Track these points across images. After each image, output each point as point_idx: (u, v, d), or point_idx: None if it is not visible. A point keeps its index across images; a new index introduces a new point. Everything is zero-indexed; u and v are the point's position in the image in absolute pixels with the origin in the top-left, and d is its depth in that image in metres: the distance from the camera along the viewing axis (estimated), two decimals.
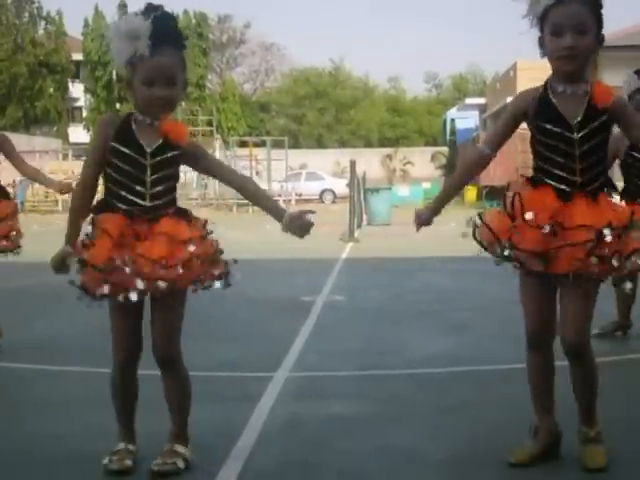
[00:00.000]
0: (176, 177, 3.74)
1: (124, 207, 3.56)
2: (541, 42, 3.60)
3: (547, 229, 3.48)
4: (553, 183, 3.59)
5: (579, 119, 3.56)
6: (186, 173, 38.41)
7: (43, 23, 55.26)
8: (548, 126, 3.60)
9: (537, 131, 3.65)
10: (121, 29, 3.46)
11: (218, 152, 37.23)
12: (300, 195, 39.96)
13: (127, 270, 3.44)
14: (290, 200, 37.86)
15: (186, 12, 58.86)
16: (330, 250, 15.00)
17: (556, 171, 3.61)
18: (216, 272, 3.71)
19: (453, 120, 45.38)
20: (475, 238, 3.71)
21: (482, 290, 8.68)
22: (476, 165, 3.86)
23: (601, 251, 3.47)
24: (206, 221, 3.78)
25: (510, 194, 3.62)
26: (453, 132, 45.07)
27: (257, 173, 38.16)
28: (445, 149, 48.80)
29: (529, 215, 3.50)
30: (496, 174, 32.74)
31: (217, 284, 3.72)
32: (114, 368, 3.74)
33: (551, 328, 3.68)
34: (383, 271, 11.98)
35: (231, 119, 57.95)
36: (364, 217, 22.83)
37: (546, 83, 3.64)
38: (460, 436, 4.17)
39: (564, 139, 3.58)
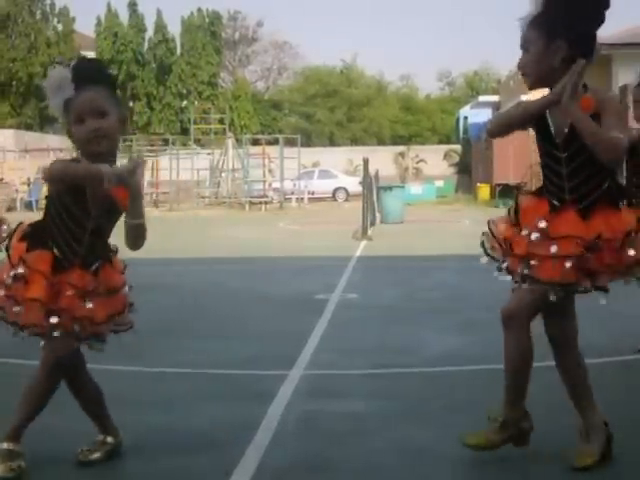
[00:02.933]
0: (112, 227, 3.72)
1: (59, 255, 3.59)
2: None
3: (534, 236, 3.48)
4: (548, 197, 3.59)
5: (564, 136, 3.50)
6: (199, 172, 38.55)
7: (55, 20, 55.41)
8: (542, 144, 3.60)
9: (538, 147, 3.65)
10: (49, 85, 3.58)
11: (231, 150, 37.24)
12: (313, 193, 39.98)
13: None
14: (303, 198, 37.87)
15: (199, 10, 58.96)
16: (343, 248, 15.00)
17: (550, 186, 3.60)
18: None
19: (466, 118, 45.33)
20: (488, 254, 3.72)
21: (495, 288, 8.59)
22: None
23: (588, 264, 3.45)
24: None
25: (515, 204, 3.67)
26: (466, 130, 45.03)
27: (270, 171, 38.19)
28: (458, 147, 48.76)
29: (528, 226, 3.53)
30: (509, 172, 32.69)
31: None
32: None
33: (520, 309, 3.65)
34: (396, 269, 11.99)
35: (243, 117, 57.97)
36: (377, 215, 22.83)
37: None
38: None
39: (552, 157, 3.56)
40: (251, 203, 34.81)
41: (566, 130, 3.49)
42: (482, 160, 38.02)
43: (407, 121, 62.67)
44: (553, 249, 3.45)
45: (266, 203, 34.88)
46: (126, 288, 3.70)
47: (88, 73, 3.58)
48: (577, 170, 3.51)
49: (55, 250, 3.57)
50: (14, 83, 52.15)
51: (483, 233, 3.76)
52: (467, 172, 44.03)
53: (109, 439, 3.81)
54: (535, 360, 3.67)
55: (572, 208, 3.52)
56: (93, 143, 3.50)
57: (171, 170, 36.95)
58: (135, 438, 4.07)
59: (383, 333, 7.03)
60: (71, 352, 3.63)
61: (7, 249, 3.59)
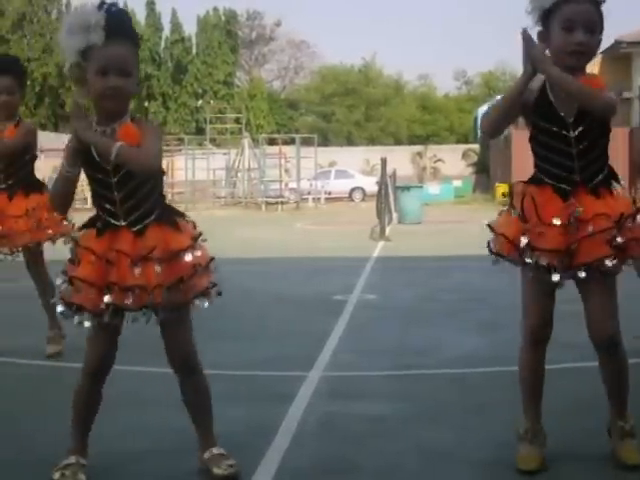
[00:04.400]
0: (153, 183, 3.50)
1: (101, 226, 3.49)
2: (543, 37, 3.53)
3: (572, 220, 3.45)
4: (553, 182, 3.55)
5: (574, 116, 3.50)
6: (215, 172, 38.58)
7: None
8: (545, 124, 3.55)
9: (535, 128, 3.60)
10: (73, 21, 3.31)
11: (247, 150, 37.26)
12: (329, 193, 39.96)
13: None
14: (319, 198, 37.86)
15: (215, 9, 59.01)
16: (361, 249, 14.98)
17: (555, 170, 3.55)
18: (205, 284, 3.53)
19: None
20: (491, 251, 3.65)
21: (515, 289, 8.57)
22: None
23: (620, 239, 3.45)
24: (194, 224, 3.62)
25: (518, 197, 3.58)
26: None
27: (286, 171, 38.20)
28: (476, 146, 48.63)
29: (556, 220, 3.46)
30: (527, 172, 32.49)
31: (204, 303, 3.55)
32: (84, 375, 3.61)
33: (550, 326, 3.65)
34: (415, 270, 11.95)
35: (259, 117, 58.03)
36: (394, 215, 22.79)
37: (544, 80, 3.55)
38: (495, 436, 4.13)
39: (561, 137, 3.52)
40: (267, 203, 34.81)
41: (575, 114, 3.48)
42: (501, 159, 37.89)
43: (424, 120, 62.59)
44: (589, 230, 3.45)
45: (282, 203, 34.88)
46: (193, 252, 3.46)
47: (122, 25, 3.37)
48: (586, 150, 3.52)
49: (98, 223, 3.47)
50: (29, 83, 52.37)
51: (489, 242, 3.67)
52: (485, 172, 43.92)
53: (82, 460, 3.60)
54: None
55: (585, 193, 3.51)
56: (108, 99, 3.34)
57: (187, 170, 36.98)
58: (155, 439, 4.08)
59: (402, 334, 7.01)
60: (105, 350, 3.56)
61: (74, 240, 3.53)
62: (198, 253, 3.49)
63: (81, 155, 3.41)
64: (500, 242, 3.60)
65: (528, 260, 3.51)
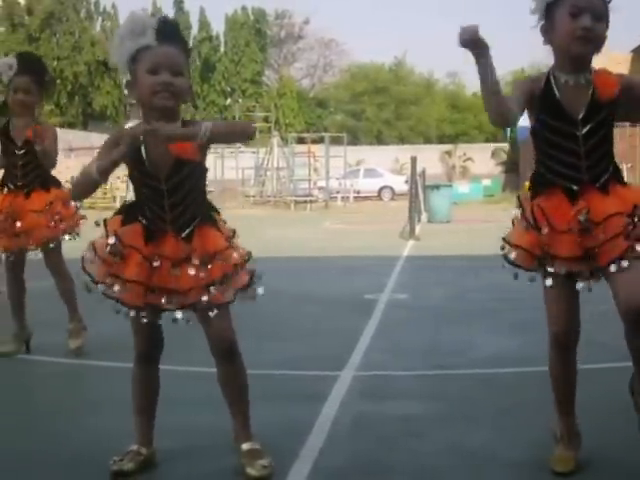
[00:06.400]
0: (201, 187, 3.55)
1: (147, 225, 3.49)
2: (546, 29, 3.45)
3: (582, 220, 3.36)
4: (559, 181, 3.46)
5: (583, 114, 3.41)
6: (244, 171, 38.64)
7: (100, 19, 55.92)
8: (551, 121, 3.45)
9: (539, 126, 3.50)
10: (126, 27, 3.33)
11: (276, 149, 37.31)
12: (358, 192, 39.95)
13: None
14: (348, 197, 37.84)
15: (244, 8, 59.14)
16: (391, 248, 14.97)
17: (561, 169, 3.47)
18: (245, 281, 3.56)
19: None
20: (510, 262, 3.58)
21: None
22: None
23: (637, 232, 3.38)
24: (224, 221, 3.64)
25: (527, 207, 3.50)
26: (513, 128, 44.72)
27: (315, 170, 38.21)
28: (506, 145, 48.41)
29: (568, 226, 3.38)
30: None
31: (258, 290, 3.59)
32: (135, 360, 3.66)
33: (576, 327, 3.58)
34: (445, 269, 11.92)
35: (288, 115, 58.09)
36: (423, 214, 22.74)
37: (548, 73, 3.48)
38: (528, 437, 4.12)
39: (568, 135, 3.43)
40: (296, 202, 34.85)
41: (583, 112, 3.41)
42: (530, 158, 37.65)
43: (454, 119, 62.34)
44: (605, 233, 3.37)
45: (311, 202, 34.90)
46: (232, 251, 3.50)
47: (173, 29, 3.42)
48: (594, 148, 3.44)
49: (144, 222, 3.48)
50: (58, 82, 52.72)
51: (503, 253, 3.62)
52: (515, 170, 43.72)
53: (143, 450, 3.68)
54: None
55: (594, 192, 3.44)
56: (159, 96, 3.31)
57: (215, 169, 37.06)
58: (184, 439, 4.08)
59: (434, 334, 6.99)
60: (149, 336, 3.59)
61: (105, 224, 3.52)
62: (235, 254, 3.51)
63: (131, 162, 3.43)
64: (518, 254, 3.53)
65: (550, 269, 3.45)
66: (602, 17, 3.40)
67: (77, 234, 6.06)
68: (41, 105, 6.13)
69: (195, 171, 3.48)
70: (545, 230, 3.42)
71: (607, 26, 3.44)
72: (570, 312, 3.56)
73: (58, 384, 5.57)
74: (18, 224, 5.92)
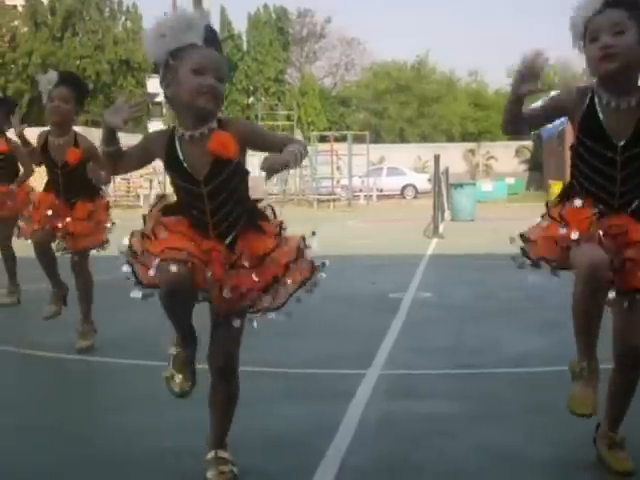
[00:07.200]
0: (242, 190, 3.49)
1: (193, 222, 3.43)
2: (581, 50, 3.38)
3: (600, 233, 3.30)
4: (592, 201, 3.38)
5: (625, 140, 3.31)
6: None
7: (123, 18, 56.09)
8: (592, 143, 3.36)
9: (579, 142, 3.43)
10: (173, 20, 3.28)
11: None
12: (381, 190, 39.88)
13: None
14: (371, 196, 37.80)
15: (266, 7, 59.19)
16: (414, 246, 14.94)
17: (595, 191, 3.39)
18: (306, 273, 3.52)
19: None
20: (529, 258, 3.59)
21: (571, 288, 8.45)
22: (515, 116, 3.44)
23: None
24: (274, 212, 3.60)
25: (556, 211, 3.44)
26: None
27: (338, 168, 38.18)
28: (529, 143, 48.21)
29: (575, 235, 3.30)
30: None
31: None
32: (162, 289, 3.32)
33: (608, 264, 3.32)
34: (470, 268, 11.87)
35: (311, 114, 58.06)
36: (446, 213, 22.69)
37: (592, 92, 3.37)
38: (556, 436, 4.10)
39: (607, 160, 3.34)
40: (319, 200, 34.86)
41: (627, 138, 3.31)
42: (554, 156, 37.54)
43: (476, 117, 62.13)
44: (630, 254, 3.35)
45: (334, 200, 34.89)
46: (281, 253, 3.43)
47: (217, 37, 3.37)
48: (632, 175, 3.36)
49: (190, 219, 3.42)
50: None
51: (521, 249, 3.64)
52: (539, 169, 43.54)
53: (220, 453, 3.59)
54: None
55: (625, 215, 3.38)
56: (204, 98, 3.25)
57: None
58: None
59: (460, 333, 6.96)
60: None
61: (144, 219, 3.50)
62: (285, 249, 3.45)
63: (170, 166, 3.40)
64: (544, 246, 3.49)
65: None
66: (623, 30, 3.26)
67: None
68: (77, 118, 6.21)
69: (236, 173, 3.41)
70: (575, 233, 3.32)
71: (637, 35, 3.27)
72: (603, 250, 3.33)
73: (86, 382, 5.60)
74: (59, 224, 6.05)
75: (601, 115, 3.34)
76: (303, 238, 3.54)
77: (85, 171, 5.96)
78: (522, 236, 3.60)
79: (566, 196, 3.49)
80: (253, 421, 3.83)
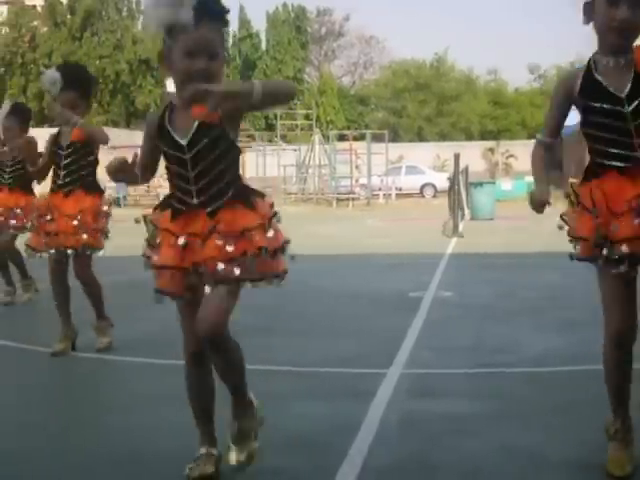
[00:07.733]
0: (229, 163, 3.45)
1: (177, 206, 3.48)
2: (587, 11, 3.39)
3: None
4: (613, 163, 3.39)
5: (627, 91, 3.34)
6: (285, 168, 38.70)
7: (141, 17, 56.28)
8: (596, 104, 3.39)
9: (585, 111, 3.44)
10: None
11: (317, 146, 37.30)
12: (400, 189, 39.82)
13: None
14: (390, 194, 37.76)
15: (285, 5, 59.22)
16: (434, 245, 14.93)
17: (612, 150, 3.40)
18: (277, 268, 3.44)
19: None
20: (575, 257, 3.55)
21: (592, 287, 8.39)
22: (543, 158, 3.65)
23: None
24: (272, 204, 3.51)
25: (586, 193, 3.44)
26: None
27: (357, 167, 38.16)
28: None
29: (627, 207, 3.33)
30: None
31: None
32: (186, 360, 3.55)
33: (635, 329, 3.50)
34: (490, 267, 11.83)
35: (329, 113, 58.08)
36: (466, 212, 22.64)
37: (589, 60, 3.44)
38: (579, 436, 4.09)
39: (615, 114, 3.36)
40: (338, 200, 34.85)
41: (627, 89, 3.34)
42: (574, 155, 37.34)
43: (496, 115, 61.90)
44: None
45: (353, 199, 34.87)
46: (263, 233, 3.36)
47: (213, 6, 3.35)
48: None
49: (173, 201, 3.48)
50: (101, 80, 53.13)
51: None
52: (559, 167, 43.34)
53: (213, 450, 3.60)
54: None
55: None
56: (195, 81, 3.25)
57: (257, 166, 37.13)
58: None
59: (481, 332, 6.95)
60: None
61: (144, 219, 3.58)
62: (270, 234, 3.39)
63: (159, 135, 3.47)
64: (581, 245, 3.49)
65: (605, 253, 3.37)
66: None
67: (98, 249, 6.16)
68: (87, 112, 6.22)
69: (220, 139, 3.40)
70: (604, 214, 3.35)
71: None
72: (630, 309, 3.48)
73: (107, 381, 5.63)
74: (52, 225, 6.07)
75: (598, 75, 3.40)
76: (288, 241, 3.49)
77: (87, 157, 6.06)
78: (569, 235, 3.57)
79: (590, 175, 3.50)
80: (274, 420, 3.83)
